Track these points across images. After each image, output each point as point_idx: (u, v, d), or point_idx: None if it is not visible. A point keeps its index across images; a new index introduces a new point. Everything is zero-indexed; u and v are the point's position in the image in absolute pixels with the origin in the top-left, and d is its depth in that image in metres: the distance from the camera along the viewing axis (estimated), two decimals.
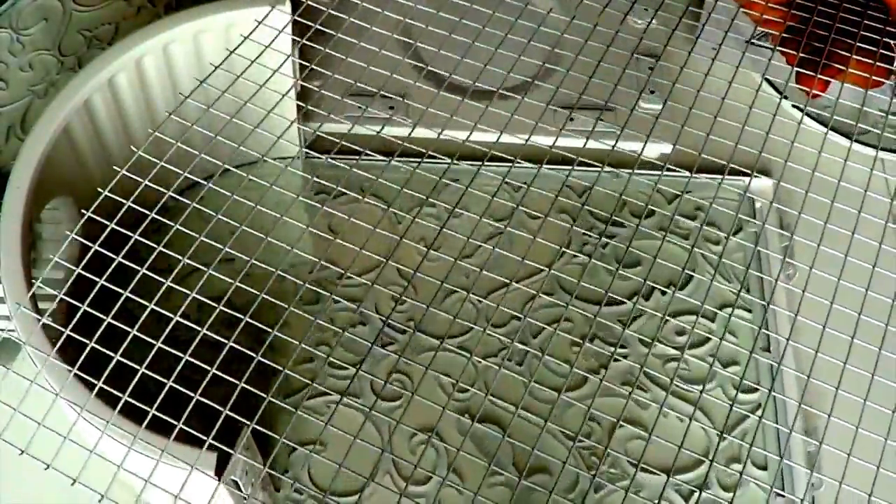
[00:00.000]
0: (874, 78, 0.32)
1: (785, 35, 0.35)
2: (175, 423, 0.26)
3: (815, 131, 0.35)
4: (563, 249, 0.32)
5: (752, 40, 0.35)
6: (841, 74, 0.33)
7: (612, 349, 0.43)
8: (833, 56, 0.33)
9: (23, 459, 0.25)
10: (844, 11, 0.33)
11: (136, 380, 0.27)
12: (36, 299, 0.32)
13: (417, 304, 0.30)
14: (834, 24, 0.33)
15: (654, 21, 0.38)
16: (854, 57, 0.32)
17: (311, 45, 0.38)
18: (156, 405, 0.26)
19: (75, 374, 0.28)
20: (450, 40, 0.37)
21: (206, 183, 0.32)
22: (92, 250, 0.30)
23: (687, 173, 0.33)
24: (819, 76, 0.33)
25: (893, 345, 0.30)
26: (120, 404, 0.27)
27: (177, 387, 0.27)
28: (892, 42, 0.32)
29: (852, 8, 0.33)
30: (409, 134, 0.33)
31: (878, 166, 0.33)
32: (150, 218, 0.30)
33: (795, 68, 0.34)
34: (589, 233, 0.42)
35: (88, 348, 0.28)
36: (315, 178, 0.39)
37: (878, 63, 0.32)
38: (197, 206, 0.31)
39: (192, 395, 0.27)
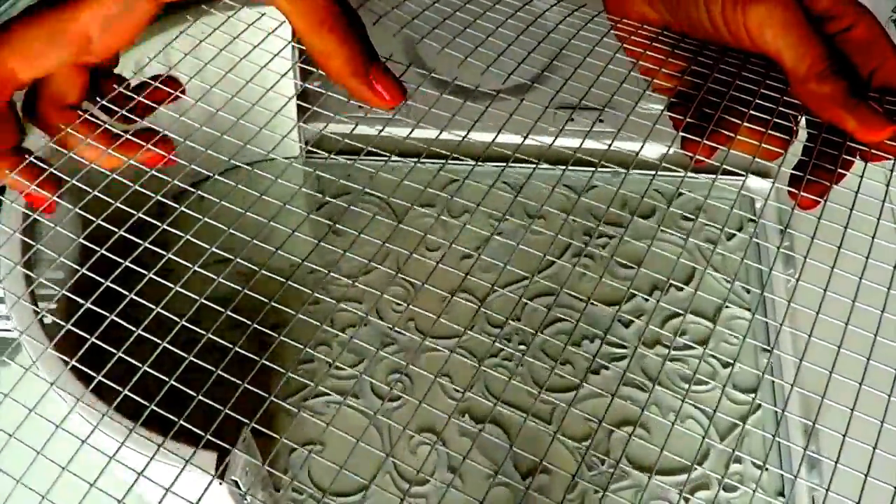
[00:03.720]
0: (766, 147, 0.32)
1: (673, 100, 0.34)
2: (171, 432, 0.26)
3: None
4: (568, 241, 0.32)
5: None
6: (729, 142, 0.32)
7: (613, 349, 0.43)
8: (722, 123, 0.32)
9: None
10: (741, 80, 0.33)
11: (142, 383, 0.27)
12: (35, 299, 0.32)
13: (418, 304, 0.30)
14: (728, 92, 0.32)
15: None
16: (745, 125, 0.32)
17: None
18: (152, 406, 0.26)
19: (74, 378, 0.28)
20: (453, 42, 0.37)
21: (213, 175, 0.32)
22: (95, 242, 0.29)
23: (687, 173, 0.33)
24: (704, 142, 0.32)
25: None
26: (115, 403, 0.27)
27: (182, 391, 0.26)
28: (792, 113, 0.32)
29: (750, 77, 0.33)
30: (419, 138, 0.33)
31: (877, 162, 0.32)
32: (158, 215, 0.30)
33: (681, 133, 0.33)
34: (589, 233, 0.42)
35: (90, 352, 0.28)
36: (316, 177, 0.39)
37: (771, 132, 0.32)
38: (202, 200, 0.31)
39: (194, 395, 0.26)
